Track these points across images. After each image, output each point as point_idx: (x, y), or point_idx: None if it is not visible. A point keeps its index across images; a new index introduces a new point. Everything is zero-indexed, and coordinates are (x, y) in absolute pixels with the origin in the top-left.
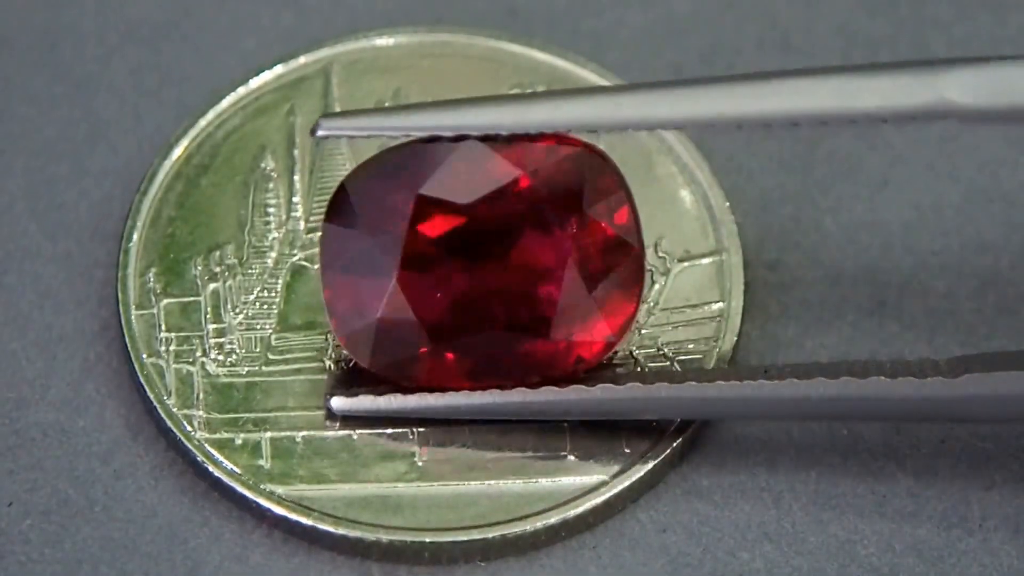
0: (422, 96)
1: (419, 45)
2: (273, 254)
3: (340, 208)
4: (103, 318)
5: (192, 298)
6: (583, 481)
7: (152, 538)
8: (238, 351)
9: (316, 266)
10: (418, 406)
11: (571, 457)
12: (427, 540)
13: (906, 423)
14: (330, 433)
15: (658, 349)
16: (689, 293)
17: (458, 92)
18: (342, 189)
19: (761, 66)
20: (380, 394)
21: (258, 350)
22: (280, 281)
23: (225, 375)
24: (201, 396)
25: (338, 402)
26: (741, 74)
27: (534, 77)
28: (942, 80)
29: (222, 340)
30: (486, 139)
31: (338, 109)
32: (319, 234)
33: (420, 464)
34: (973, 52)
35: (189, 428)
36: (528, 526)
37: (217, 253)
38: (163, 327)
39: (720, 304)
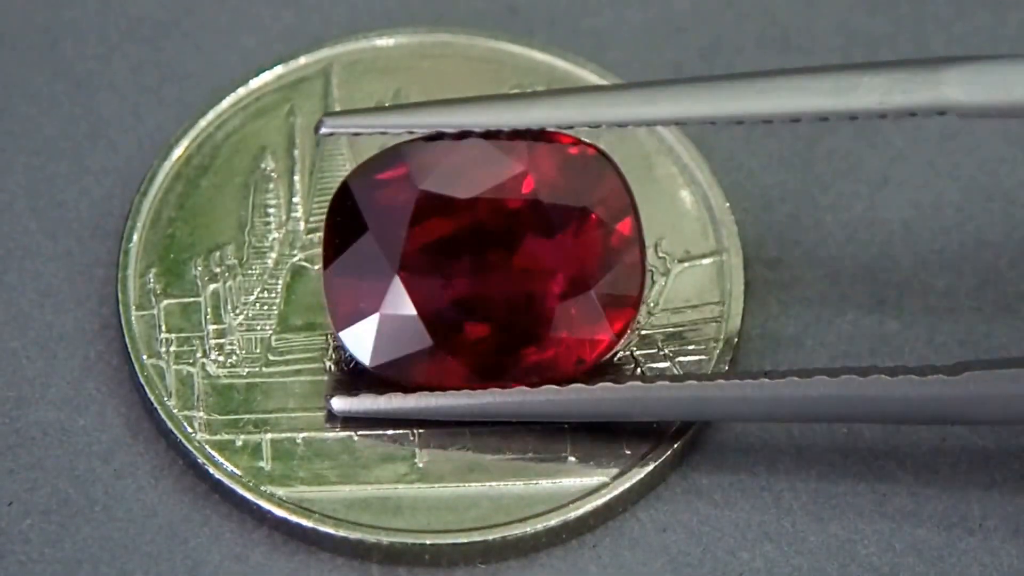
0: (422, 97)
1: (419, 46)
2: (273, 255)
3: (342, 206)
4: (103, 317)
5: (192, 299)
6: (584, 483)
7: (152, 538)
8: (238, 352)
9: (316, 267)
10: (418, 406)
11: (572, 459)
12: (427, 542)
13: (907, 424)
14: (331, 435)
15: (658, 349)
16: (689, 294)
17: (458, 93)
18: (345, 187)
19: (761, 64)
20: (380, 395)
21: (258, 351)
22: (280, 282)
23: (225, 376)
24: (201, 397)
25: (339, 403)
26: (740, 72)
27: (534, 78)
28: (940, 77)
29: (222, 341)
30: (489, 137)
31: (338, 109)
32: (319, 235)
33: (420, 466)
34: (973, 50)
35: (190, 430)
36: (528, 528)
37: (217, 254)
38: (163, 328)
39: (720, 305)
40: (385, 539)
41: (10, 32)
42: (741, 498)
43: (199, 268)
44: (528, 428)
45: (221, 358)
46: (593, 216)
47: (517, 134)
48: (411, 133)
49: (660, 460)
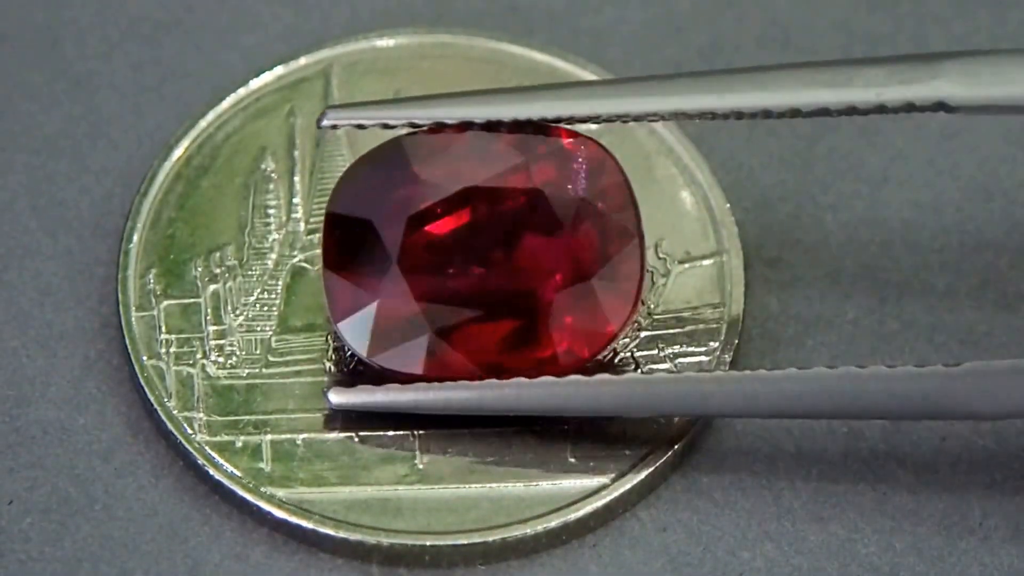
0: None
1: (419, 46)
2: (273, 256)
3: (342, 196)
4: (104, 316)
5: (192, 300)
6: (584, 484)
7: (152, 536)
8: (238, 353)
9: (317, 268)
10: (415, 398)
11: (572, 460)
12: (427, 543)
13: (906, 419)
14: (331, 436)
15: (659, 351)
16: (690, 295)
17: None
18: (345, 178)
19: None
20: (378, 387)
21: (258, 352)
22: (280, 283)
23: (225, 377)
24: (201, 398)
25: (336, 396)
26: (738, 67)
27: (534, 78)
28: (937, 70)
29: (222, 342)
30: (488, 129)
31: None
32: (319, 236)
33: (421, 467)
34: (972, 49)
35: (190, 431)
36: (528, 529)
37: (217, 255)
38: (163, 329)
39: (721, 306)
40: (385, 540)
41: (10, 31)
42: (741, 497)
43: (199, 269)
44: (528, 429)
45: (221, 359)
46: (592, 208)
47: (517, 127)
48: (412, 126)
49: (660, 462)
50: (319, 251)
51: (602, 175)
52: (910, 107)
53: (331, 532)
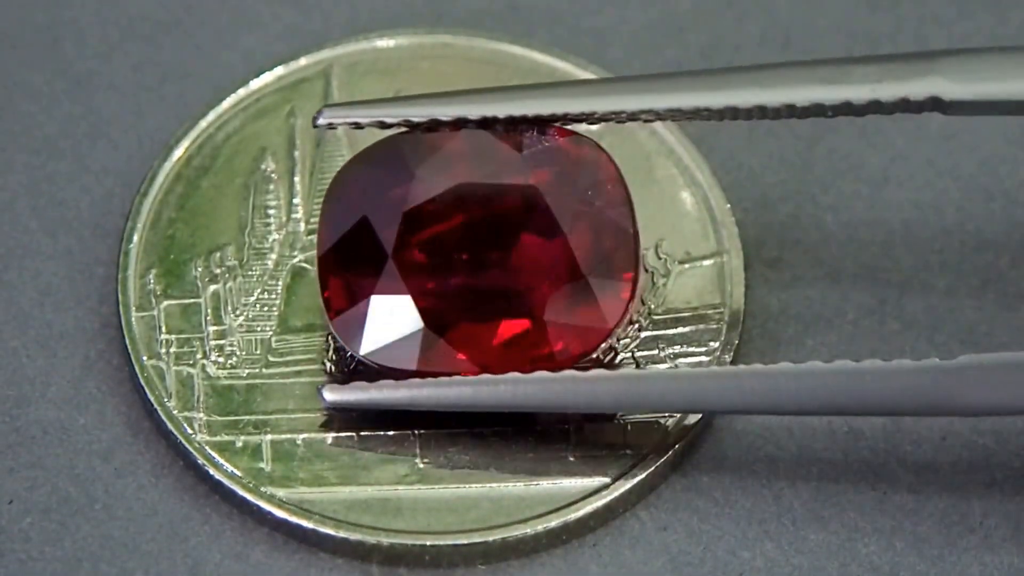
0: None
1: (419, 47)
2: (273, 256)
3: (338, 193)
4: (104, 316)
5: (192, 300)
6: (584, 484)
7: (153, 536)
8: (238, 353)
9: (317, 269)
10: (410, 394)
11: (572, 460)
12: (428, 543)
13: (902, 413)
14: (331, 436)
15: (659, 351)
16: (690, 295)
17: None
18: (341, 175)
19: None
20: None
21: (258, 352)
22: (280, 283)
23: (225, 377)
24: (201, 398)
25: (330, 393)
26: (733, 66)
27: (535, 79)
28: (933, 66)
29: (222, 342)
30: (484, 127)
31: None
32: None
33: (421, 467)
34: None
35: (190, 431)
36: (529, 529)
37: (217, 255)
38: (163, 329)
39: (721, 306)
40: (385, 540)
41: (10, 31)
42: (742, 497)
43: (199, 269)
44: (528, 429)
45: (221, 359)
46: (588, 206)
47: (513, 125)
48: (408, 124)
49: (660, 462)
50: (316, 239)
51: (597, 173)
52: (905, 103)
53: (331, 532)
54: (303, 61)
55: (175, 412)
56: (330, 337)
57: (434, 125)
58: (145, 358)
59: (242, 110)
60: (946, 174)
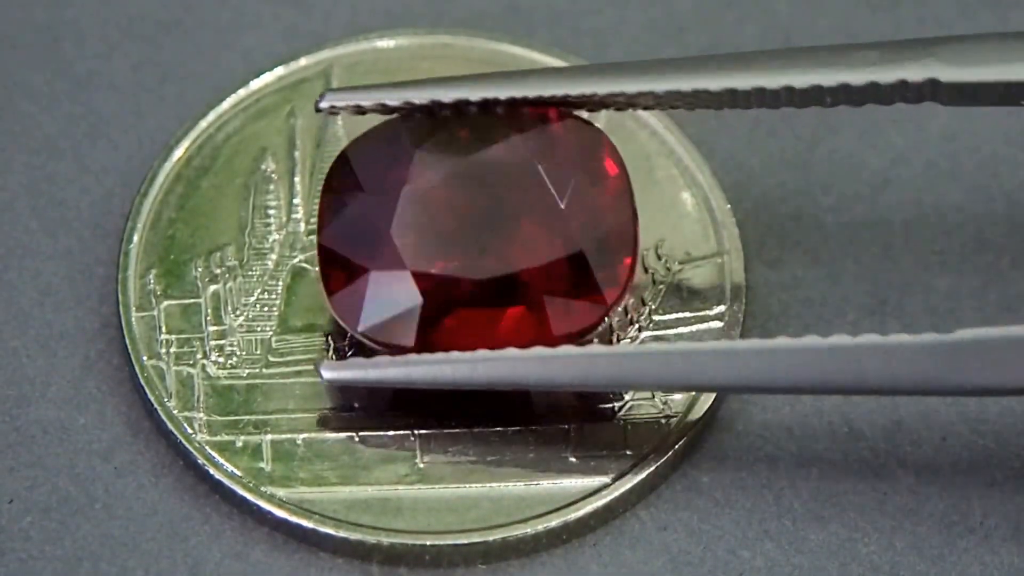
0: None
1: (419, 47)
2: (273, 256)
3: (338, 174)
4: (104, 315)
5: (192, 300)
6: (584, 483)
7: (153, 536)
8: (239, 353)
9: (317, 268)
10: (407, 371)
11: (572, 459)
12: (428, 543)
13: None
14: (331, 435)
15: None
16: (690, 296)
17: None
18: (343, 156)
19: None
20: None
21: (258, 352)
22: (280, 283)
23: (225, 377)
24: (202, 398)
25: (328, 370)
26: (728, 53)
27: None
28: (931, 51)
29: (222, 342)
30: (485, 109)
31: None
32: None
33: (421, 467)
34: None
35: (190, 431)
36: (529, 529)
37: (217, 255)
38: (163, 329)
39: (721, 307)
40: (386, 540)
41: (10, 31)
42: (742, 497)
43: (199, 269)
44: (529, 429)
45: (221, 359)
46: (587, 186)
47: (513, 107)
48: (409, 106)
49: (660, 462)
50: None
51: (595, 150)
52: (903, 85)
53: (331, 532)
54: (303, 61)
55: (175, 412)
56: (330, 337)
57: (436, 108)
58: (145, 358)
59: (242, 110)
60: (947, 175)
